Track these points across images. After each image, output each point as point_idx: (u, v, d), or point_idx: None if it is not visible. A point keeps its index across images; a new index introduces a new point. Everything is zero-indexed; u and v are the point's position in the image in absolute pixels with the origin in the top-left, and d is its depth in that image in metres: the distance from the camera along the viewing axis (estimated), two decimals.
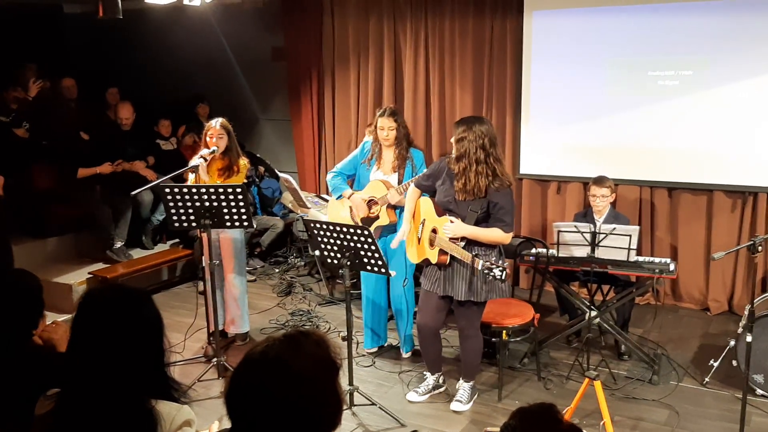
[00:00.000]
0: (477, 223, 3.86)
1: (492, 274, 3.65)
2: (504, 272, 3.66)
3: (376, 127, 4.65)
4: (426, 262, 4.10)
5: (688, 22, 5.44)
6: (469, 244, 3.90)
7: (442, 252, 3.96)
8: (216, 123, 4.86)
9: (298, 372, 1.46)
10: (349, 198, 4.76)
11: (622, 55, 5.70)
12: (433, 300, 4.08)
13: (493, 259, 3.81)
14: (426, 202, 4.15)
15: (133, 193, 4.63)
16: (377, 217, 4.68)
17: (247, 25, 7.55)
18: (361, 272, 4.82)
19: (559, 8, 5.87)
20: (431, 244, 4.02)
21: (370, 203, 4.70)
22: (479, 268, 3.72)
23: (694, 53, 5.47)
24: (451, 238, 3.88)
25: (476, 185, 3.80)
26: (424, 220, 4.13)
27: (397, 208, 4.67)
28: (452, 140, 3.94)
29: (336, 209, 4.91)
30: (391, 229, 4.67)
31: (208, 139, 4.83)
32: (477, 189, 3.81)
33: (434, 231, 4.02)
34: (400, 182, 4.61)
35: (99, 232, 6.31)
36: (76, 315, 1.85)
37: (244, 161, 4.98)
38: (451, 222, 3.89)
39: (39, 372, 2.15)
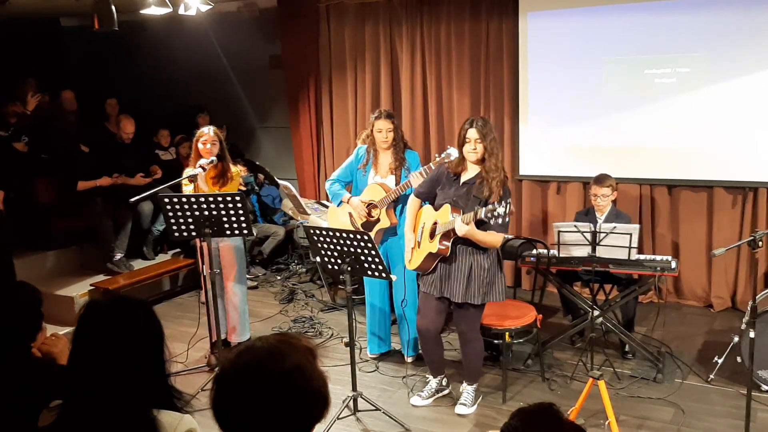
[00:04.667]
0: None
1: (495, 212, 3.58)
2: (508, 206, 3.57)
3: (372, 130, 4.66)
4: (423, 269, 4.09)
5: (684, 19, 5.45)
6: (467, 242, 3.89)
7: (443, 242, 3.93)
8: (209, 130, 4.91)
9: (284, 367, 1.47)
10: (348, 202, 4.76)
11: (618, 54, 5.71)
12: (431, 302, 4.08)
13: (499, 211, 3.65)
14: (426, 210, 4.15)
15: (132, 200, 4.63)
16: (378, 221, 4.68)
17: (243, 35, 7.58)
18: (365, 278, 4.83)
19: (553, 9, 5.88)
20: (432, 236, 4.01)
21: (370, 207, 4.70)
22: (482, 216, 3.66)
23: (691, 50, 5.47)
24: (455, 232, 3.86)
25: (495, 187, 3.82)
26: (424, 224, 4.12)
27: (397, 208, 4.68)
28: (475, 135, 3.86)
29: (336, 216, 4.91)
30: (392, 231, 4.67)
31: (201, 145, 4.85)
32: (494, 189, 3.82)
33: (434, 224, 4.02)
34: (397, 184, 4.62)
35: (100, 244, 6.32)
36: (77, 326, 1.85)
37: (236, 168, 5.01)
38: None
39: (39, 385, 2.15)
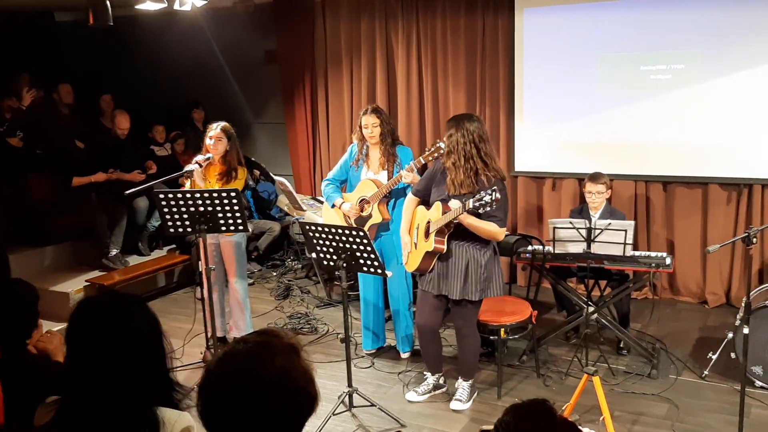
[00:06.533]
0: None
1: (482, 201, 3.59)
2: (494, 193, 3.57)
3: (360, 127, 4.67)
4: (422, 269, 4.09)
5: (679, 16, 5.45)
6: (463, 239, 3.90)
7: (438, 239, 3.94)
8: (217, 126, 4.90)
9: (267, 373, 1.45)
10: (340, 207, 4.79)
11: (613, 51, 5.71)
12: (429, 299, 4.09)
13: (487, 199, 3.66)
14: (418, 212, 4.16)
15: (127, 192, 4.63)
16: (370, 216, 4.69)
17: (238, 30, 7.56)
18: (359, 274, 4.84)
19: (549, 5, 5.88)
20: (426, 235, 4.02)
21: (362, 202, 4.71)
22: (471, 207, 3.66)
23: (686, 47, 5.48)
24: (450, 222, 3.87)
25: (467, 180, 3.82)
26: (418, 225, 4.13)
27: (389, 203, 4.68)
28: (445, 138, 3.97)
29: (330, 216, 4.93)
30: (385, 227, 4.68)
31: (208, 141, 4.85)
32: (470, 183, 3.82)
33: (428, 223, 4.02)
34: (389, 179, 4.62)
35: (95, 240, 6.31)
36: (69, 324, 1.84)
37: (244, 170, 5.00)
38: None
39: (34, 381, 2.14)
